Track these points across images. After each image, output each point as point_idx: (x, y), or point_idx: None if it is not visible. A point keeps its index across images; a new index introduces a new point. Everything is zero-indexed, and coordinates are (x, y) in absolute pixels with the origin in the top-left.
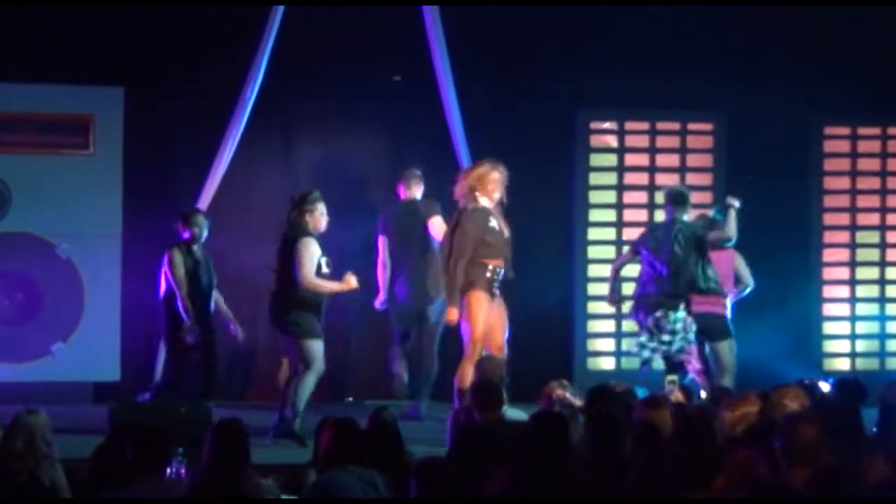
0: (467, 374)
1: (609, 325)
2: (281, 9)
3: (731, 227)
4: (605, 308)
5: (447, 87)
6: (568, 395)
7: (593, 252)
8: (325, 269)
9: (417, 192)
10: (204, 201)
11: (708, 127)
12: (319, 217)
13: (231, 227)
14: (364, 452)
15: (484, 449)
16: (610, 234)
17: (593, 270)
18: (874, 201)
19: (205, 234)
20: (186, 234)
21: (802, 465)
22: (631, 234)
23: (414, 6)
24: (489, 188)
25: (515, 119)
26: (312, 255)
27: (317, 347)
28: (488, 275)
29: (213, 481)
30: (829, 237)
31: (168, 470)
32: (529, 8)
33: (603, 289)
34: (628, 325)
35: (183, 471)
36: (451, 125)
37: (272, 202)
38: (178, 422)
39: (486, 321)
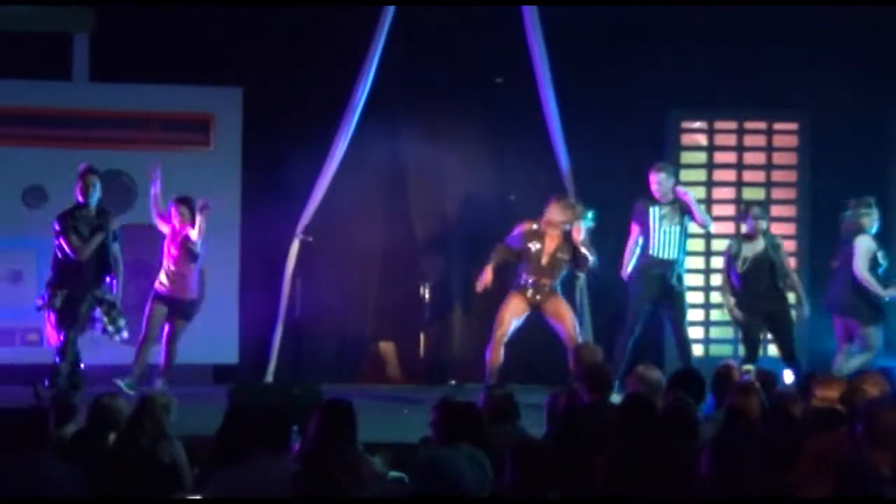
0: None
1: (698, 315)
2: (391, 12)
3: None
4: (693, 298)
5: (546, 88)
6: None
7: None
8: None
9: None
10: (316, 197)
11: (793, 126)
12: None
13: (341, 218)
14: (476, 431)
15: (590, 431)
16: (699, 227)
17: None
18: None
19: None
20: None
21: (884, 447)
22: (719, 227)
23: (514, 6)
24: None
25: (612, 118)
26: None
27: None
28: None
29: (320, 457)
30: None
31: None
32: (625, 14)
33: (692, 279)
34: (716, 315)
35: (297, 447)
36: (550, 126)
37: (379, 197)
38: (292, 402)
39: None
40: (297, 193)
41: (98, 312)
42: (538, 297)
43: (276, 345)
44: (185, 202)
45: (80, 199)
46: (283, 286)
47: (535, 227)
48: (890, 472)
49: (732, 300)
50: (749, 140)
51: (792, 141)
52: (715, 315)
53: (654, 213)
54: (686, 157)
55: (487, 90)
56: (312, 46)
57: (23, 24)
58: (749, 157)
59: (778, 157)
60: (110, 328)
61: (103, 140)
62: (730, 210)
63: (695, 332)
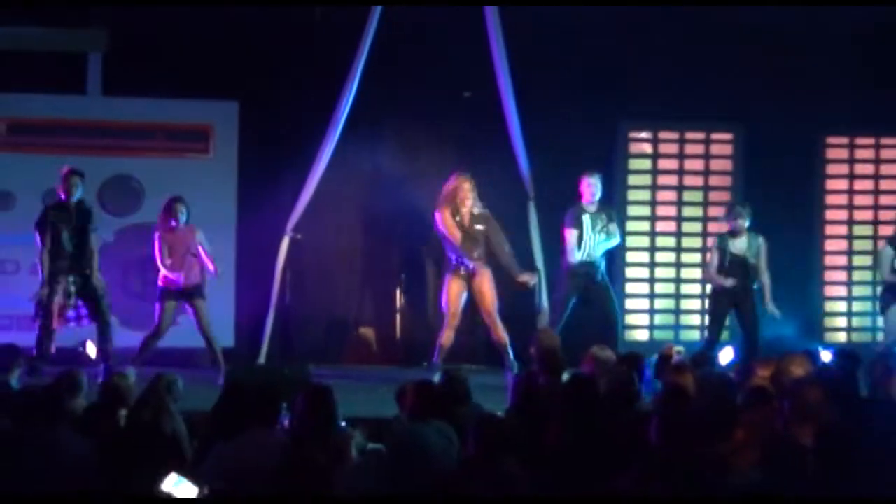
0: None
1: (644, 304)
2: (371, 33)
3: None
4: (638, 289)
5: (509, 100)
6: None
7: (630, 241)
8: None
9: None
10: (304, 199)
11: (728, 137)
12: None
13: (327, 218)
14: (440, 408)
15: (546, 408)
16: (645, 226)
17: (630, 256)
18: (868, 200)
19: None
20: None
21: (808, 422)
22: (662, 226)
23: (480, 23)
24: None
25: (568, 128)
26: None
27: None
28: None
29: (305, 435)
30: (829, 230)
31: (278, 422)
32: (580, 35)
33: (638, 272)
34: (662, 303)
35: (287, 422)
36: (511, 134)
37: (361, 198)
38: (282, 381)
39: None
40: (286, 196)
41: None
42: (468, 272)
43: (268, 330)
44: (180, 200)
45: (63, 196)
46: (275, 278)
47: (449, 210)
48: (811, 442)
49: (729, 280)
50: (689, 149)
51: (727, 150)
52: (658, 304)
53: (585, 218)
54: (633, 163)
55: (457, 103)
56: (301, 64)
57: (44, 45)
58: (689, 164)
59: (715, 165)
60: (68, 305)
61: (114, 148)
62: (672, 211)
63: (640, 319)
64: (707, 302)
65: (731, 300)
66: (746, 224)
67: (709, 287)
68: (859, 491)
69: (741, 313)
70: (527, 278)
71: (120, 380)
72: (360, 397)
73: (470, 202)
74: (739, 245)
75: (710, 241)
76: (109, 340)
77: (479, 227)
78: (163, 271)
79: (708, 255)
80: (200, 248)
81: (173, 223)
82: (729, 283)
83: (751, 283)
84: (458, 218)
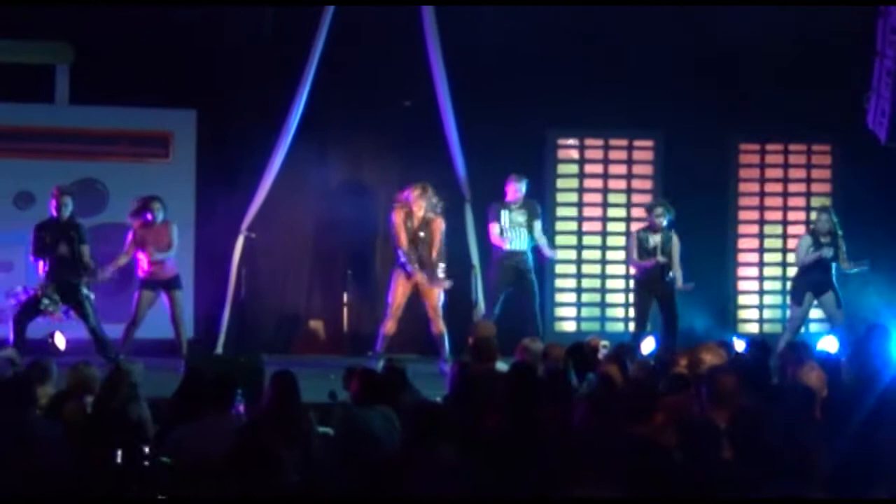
0: None
1: (572, 297)
2: (318, 50)
3: None
4: (569, 283)
5: (446, 107)
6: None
7: (559, 240)
8: None
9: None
10: (257, 201)
11: (649, 143)
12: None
13: (279, 218)
14: (382, 394)
15: (480, 394)
16: (572, 226)
17: (560, 254)
18: (777, 202)
19: None
20: None
21: (722, 406)
22: (589, 226)
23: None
24: None
25: (501, 136)
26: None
27: None
28: None
29: (273, 416)
30: (742, 229)
31: (232, 407)
32: (510, 47)
33: (566, 268)
34: (588, 297)
35: (241, 408)
36: (449, 141)
37: (310, 200)
38: (238, 369)
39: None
40: (241, 197)
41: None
42: (408, 274)
43: (224, 322)
44: (157, 199)
45: (54, 213)
46: (231, 274)
47: (403, 213)
48: (725, 425)
49: (655, 259)
50: (613, 154)
51: (648, 155)
52: (585, 298)
53: (506, 214)
54: (561, 168)
55: (398, 112)
56: (254, 77)
57: (14, 57)
58: (613, 169)
59: (637, 169)
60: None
61: (81, 153)
62: (598, 212)
63: (569, 312)
64: (632, 295)
65: (651, 292)
66: (664, 222)
67: (632, 282)
68: (769, 469)
69: (662, 305)
70: (437, 286)
71: (85, 368)
72: (309, 384)
73: (420, 210)
74: (655, 240)
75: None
76: (102, 340)
77: (421, 234)
78: (121, 261)
79: (627, 244)
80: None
81: (149, 217)
82: (661, 259)
83: (665, 275)
84: (409, 224)
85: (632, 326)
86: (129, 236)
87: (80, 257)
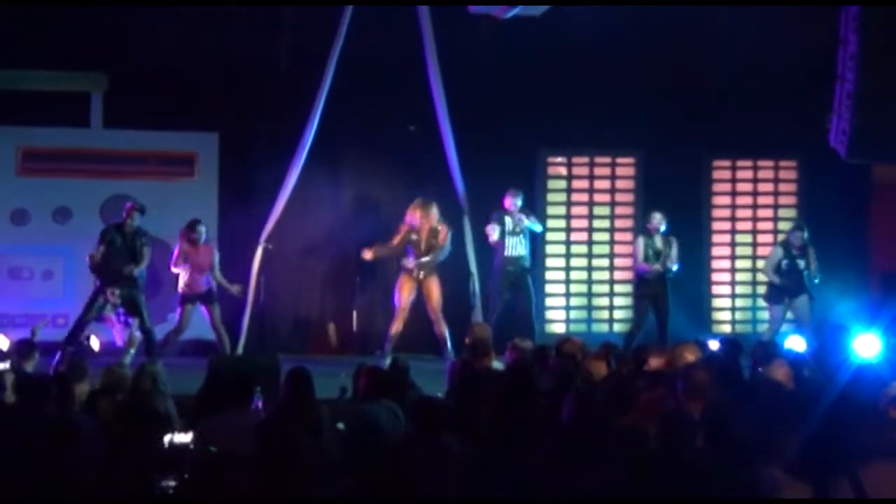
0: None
1: (561, 301)
2: (330, 78)
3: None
4: (558, 289)
5: (446, 128)
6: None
7: (549, 249)
8: None
9: None
10: (275, 215)
11: (631, 161)
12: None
13: (294, 231)
14: (387, 390)
15: (476, 389)
16: (561, 236)
17: (550, 262)
18: (748, 213)
19: None
20: None
21: (697, 399)
22: (575, 236)
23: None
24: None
25: (497, 154)
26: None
27: None
28: None
29: (290, 407)
30: (716, 238)
31: (252, 403)
32: (503, 75)
33: (556, 275)
34: (576, 301)
35: (260, 404)
36: (449, 160)
37: (323, 214)
38: (255, 369)
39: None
40: (260, 212)
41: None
42: (421, 275)
43: (245, 325)
44: (199, 222)
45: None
46: (251, 281)
47: (410, 226)
48: (699, 416)
49: (657, 265)
50: (598, 171)
51: (630, 172)
52: (573, 301)
53: (507, 220)
54: (551, 184)
55: (404, 134)
56: (272, 102)
57: (53, 85)
58: (598, 184)
59: (619, 184)
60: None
61: (114, 173)
62: (584, 224)
63: (558, 315)
64: (618, 299)
65: (652, 292)
66: (663, 227)
67: (617, 287)
68: (736, 455)
69: (657, 305)
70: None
71: (117, 369)
72: (322, 382)
73: (427, 223)
74: (657, 243)
75: (620, 248)
76: (152, 342)
77: (433, 240)
78: (174, 271)
79: (634, 251)
80: (217, 271)
81: (193, 237)
82: (657, 267)
83: (664, 277)
84: (414, 237)
85: (616, 327)
86: (176, 254)
87: (139, 262)
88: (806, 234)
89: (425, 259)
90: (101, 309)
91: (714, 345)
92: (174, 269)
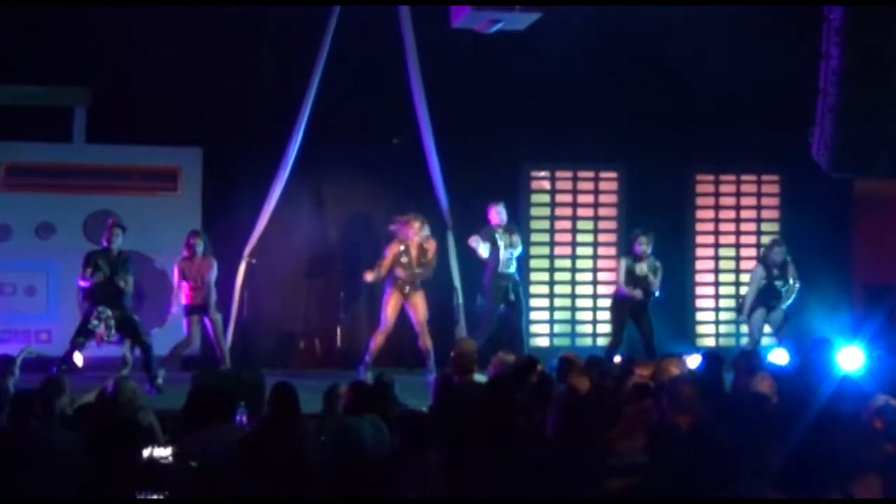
0: None
1: (545, 315)
2: (313, 93)
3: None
4: (542, 303)
5: (428, 138)
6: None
7: (533, 263)
8: None
9: None
10: (258, 229)
11: (614, 175)
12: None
13: (278, 245)
14: (372, 405)
15: (460, 403)
16: (545, 250)
17: (534, 276)
18: (731, 227)
19: None
20: None
21: (683, 412)
22: (559, 250)
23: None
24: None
25: (480, 168)
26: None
27: None
28: None
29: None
30: (699, 252)
31: (235, 417)
32: (486, 90)
33: (540, 289)
34: (560, 314)
35: (244, 418)
36: (432, 173)
37: (306, 229)
38: (239, 384)
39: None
40: (243, 226)
41: (102, 327)
42: (407, 289)
43: (228, 340)
44: (198, 233)
45: (105, 244)
46: (234, 296)
47: (402, 241)
48: (687, 428)
49: (637, 291)
50: (581, 185)
51: (613, 186)
52: (557, 315)
53: (497, 237)
54: (534, 198)
55: (387, 148)
56: (254, 118)
57: (36, 100)
58: (581, 198)
59: (603, 199)
60: (106, 336)
61: (97, 187)
62: (568, 237)
63: (542, 328)
64: (601, 313)
65: (630, 310)
66: (649, 250)
67: (601, 301)
68: (723, 468)
69: (639, 322)
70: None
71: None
72: (306, 396)
73: (417, 238)
74: (641, 267)
75: (603, 262)
76: (150, 362)
77: (423, 257)
78: (177, 295)
79: (616, 273)
80: (212, 284)
81: (186, 253)
82: (637, 293)
83: (650, 297)
84: (405, 259)
85: (599, 341)
86: (175, 271)
87: (126, 285)
88: (785, 249)
89: (419, 270)
90: (94, 329)
91: (694, 360)
92: (176, 286)
